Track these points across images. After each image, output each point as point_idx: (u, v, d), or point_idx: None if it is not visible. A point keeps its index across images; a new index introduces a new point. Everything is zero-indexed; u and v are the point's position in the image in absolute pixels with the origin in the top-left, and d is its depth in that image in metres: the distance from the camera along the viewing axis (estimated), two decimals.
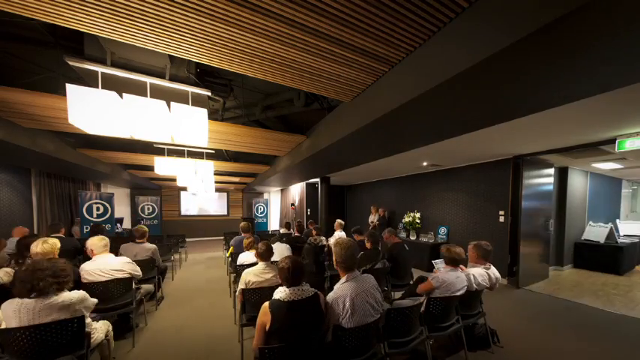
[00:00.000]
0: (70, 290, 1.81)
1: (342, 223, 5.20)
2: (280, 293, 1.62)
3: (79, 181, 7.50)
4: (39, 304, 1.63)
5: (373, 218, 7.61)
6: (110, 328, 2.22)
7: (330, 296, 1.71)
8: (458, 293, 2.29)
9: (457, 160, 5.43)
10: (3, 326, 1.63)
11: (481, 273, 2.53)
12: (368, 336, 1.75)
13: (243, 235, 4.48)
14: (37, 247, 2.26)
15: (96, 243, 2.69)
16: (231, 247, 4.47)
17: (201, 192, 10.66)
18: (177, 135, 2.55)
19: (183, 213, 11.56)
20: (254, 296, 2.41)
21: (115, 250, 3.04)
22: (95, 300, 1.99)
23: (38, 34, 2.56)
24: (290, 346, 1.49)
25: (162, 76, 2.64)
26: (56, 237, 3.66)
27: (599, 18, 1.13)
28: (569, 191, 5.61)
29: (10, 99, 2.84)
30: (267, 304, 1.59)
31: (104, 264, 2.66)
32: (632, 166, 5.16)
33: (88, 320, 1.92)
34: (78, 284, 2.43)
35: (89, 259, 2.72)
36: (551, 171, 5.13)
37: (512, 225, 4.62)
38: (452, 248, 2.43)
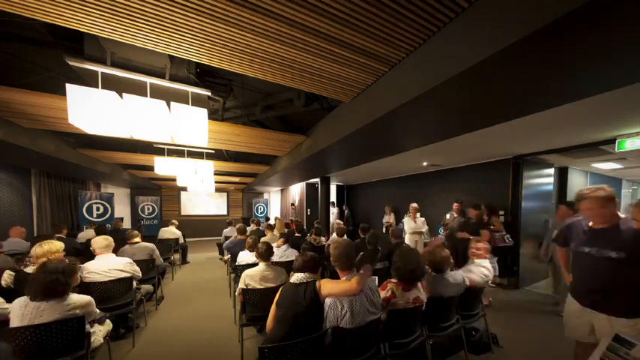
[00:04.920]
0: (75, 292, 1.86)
1: (341, 223, 5.20)
2: (293, 278, 1.81)
3: (79, 181, 7.50)
4: (44, 305, 1.67)
5: (389, 218, 7.29)
6: (110, 328, 2.23)
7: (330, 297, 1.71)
8: (453, 294, 2.24)
9: (457, 160, 5.42)
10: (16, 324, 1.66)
11: (483, 269, 2.54)
12: (367, 336, 1.75)
13: (238, 237, 4.48)
14: (41, 247, 2.27)
15: (98, 242, 2.69)
16: (226, 254, 4.45)
17: (201, 192, 10.67)
18: (177, 135, 2.55)
19: (185, 213, 11.55)
20: (254, 296, 2.41)
21: (115, 250, 3.05)
22: (98, 311, 2.03)
23: (38, 34, 2.56)
24: (293, 332, 1.56)
25: (162, 76, 2.64)
26: (58, 237, 3.68)
27: (599, 17, 1.13)
28: (569, 191, 5.60)
29: (10, 99, 2.83)
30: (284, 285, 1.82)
31: (106, 264, 2.67)
32: (632, 166, 5.16)
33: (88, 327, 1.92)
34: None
35: (89, 260, 2.72)
36: (551, 171, 5.12)
37: (513, 225, 4.62)
38: (437, 253, 2.22)
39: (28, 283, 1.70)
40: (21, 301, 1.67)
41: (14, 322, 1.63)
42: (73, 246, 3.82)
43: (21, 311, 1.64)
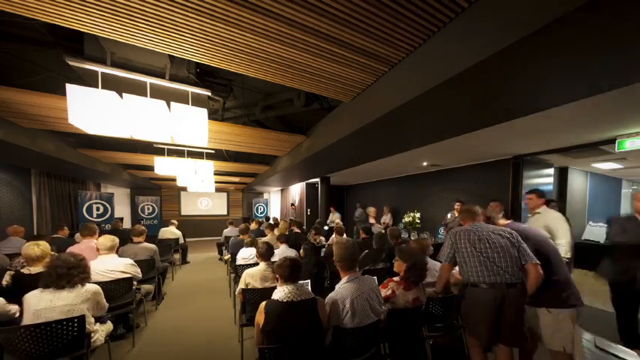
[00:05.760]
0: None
1: (340, 223, 5.20)
2: (279, 293, 1.61)
3: (79, 181, 7.50)
4: (59, 292, 1.76)
5: (386, 219, 7.26)
6: (111, 328, 2.23)
7: (331, 296, 1.71)
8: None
9: (457, 160, 5.43)
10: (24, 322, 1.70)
11: None
12: (368, 336, 1.75)
13: (241, 237, 4.50)
14: (29, 249, 2.26)
15: (103, 243, 2.69)
16: (227, 255, 4.49)
17: (201, 192, 10.67)
18: (177, 135, 2.55)
19: (185, 213, 11.55)
20: (254, 296, 2.40)
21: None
22: (107, 303, 2.08)
23: (38, 34, 2.56)
24: (289, 347, 1.49)
25: (162, 76, 2.64)
26: (55, 237, 3.67)
27: (598, 18, 1.13)
28: (569, 191, 5.60)
29: (10, 99, 2.83)
30: (263, 304, 1.59)
31: (107, 264, 2.66)
32: (632, 166, 5.16)
33: (91, 320, 1.93)
34: None
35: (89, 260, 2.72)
36: (551, 171, 5.13)
37: None
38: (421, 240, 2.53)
39: (46, 274, 1.77)
40: (35, 292, 1.74)
41: (28, 311, 1.68)
42: (71, 246, 3.81)
43: (37, 299, 1.71)
